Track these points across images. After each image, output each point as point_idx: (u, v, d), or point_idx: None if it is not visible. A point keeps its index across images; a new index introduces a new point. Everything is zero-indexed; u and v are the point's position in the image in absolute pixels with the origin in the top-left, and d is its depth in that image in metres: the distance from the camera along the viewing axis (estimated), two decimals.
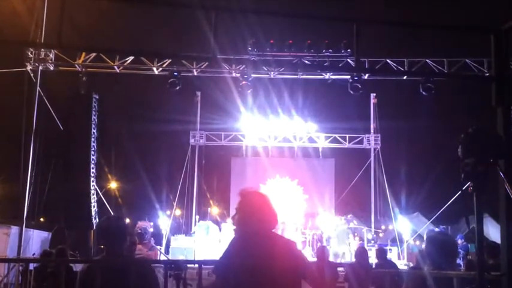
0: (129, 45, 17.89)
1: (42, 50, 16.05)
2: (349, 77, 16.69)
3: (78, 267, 9.14)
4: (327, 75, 17.59)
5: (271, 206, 3.30)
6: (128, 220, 22.73)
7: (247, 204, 3.30)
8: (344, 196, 20.57)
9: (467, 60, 16.60)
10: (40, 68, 16.16)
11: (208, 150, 20.80)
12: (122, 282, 3.79)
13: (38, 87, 15.93)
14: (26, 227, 15.22)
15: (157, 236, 15.78)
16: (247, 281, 3.06)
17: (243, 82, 16.65)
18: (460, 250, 12.50)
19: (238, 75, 16.86)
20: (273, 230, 3.29)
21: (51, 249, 11.20)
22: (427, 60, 16.75)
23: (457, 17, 19.69)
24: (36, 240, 16.76)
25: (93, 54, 16.43)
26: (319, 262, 8.63)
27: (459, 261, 12.05)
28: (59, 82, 17.56)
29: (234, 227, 3.34)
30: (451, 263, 4.30)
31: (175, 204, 19.53)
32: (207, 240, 15.71)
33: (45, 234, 18.08)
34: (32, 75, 16.02)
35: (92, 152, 16.75)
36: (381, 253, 9.41)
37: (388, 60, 16.56)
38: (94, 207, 16.70)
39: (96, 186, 17.01)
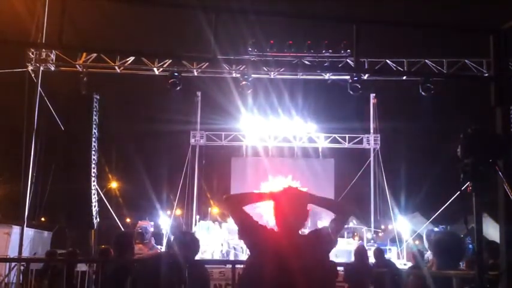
0: (130, 46, 17.88)
1: (43, 50, 16.08)
2: (348, 77, 16.72)
3: (80, 267, 9.20)
4: (327, 76, 17.62)
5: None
6: (128, 219, 22.77)
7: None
8: (344, 196, 20.59)
9: (466, 61, 16.63)
10: (41, 68, 16.17)
11: (208, 150, 20.83)
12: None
13: (39, 88, 15.96)
14: (27, 226, 15.23)
15: (157, 235, 15.82)
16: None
17: (243, 82, 16.69)
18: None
19: (238, 75, 16.90)
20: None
21: (52, 249, 11.24)
22: (427, 61, 16.77)
23: (456, 17, 19.71)
24: (37, 239, 16.80)
25: (94, 55, 16.46)
26: None
27: None
28: (59, 82, 17.59)
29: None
30: (454, 266, 4.31)
31: (175, 204, 19.59)
32: (207, 240, 15.75)
33: (46, 234, 18.13)
34: (33, 75, 16.04)
35: (93, 152, 16.77)
36: (379, 253, 9.44)
37: (387, 61, 16.58)
38: (95, 207, 16.71)
39: (97, 186, 17.02)
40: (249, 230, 3.25)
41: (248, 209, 3.32)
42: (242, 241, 3.34)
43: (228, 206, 3.38)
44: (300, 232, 3.31)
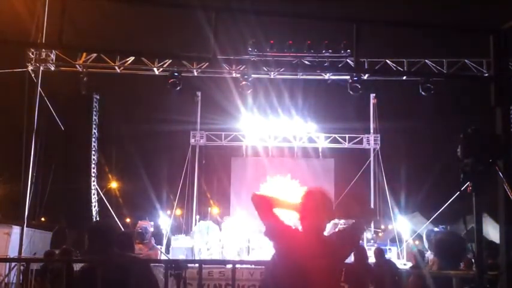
0: (130, 46, 17.90)
1: (43, 50, 16.07)
2: (348, 77, 16.71)
3: (79, 266, 9.19)
4: (327, 76, 17.61)
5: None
6: (128, 219, 22.72)
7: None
8: (344, 196, 20.56)
9: (466, 61, 16.62)
10: (41, 68, 16.15)
11: (208, 150, 20.80)
12: (122, 281, 3.94)
13: (39, 88, 15.95)
14: (27, 226, 15.23)
15: (157, 235, 15.83)
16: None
17: (243, 82, 16.68)
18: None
19: (238, 75, 16.88)
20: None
21: (52, 249, 11.22)
22: (427, 61, 16.76)
23: (456, 17, 19.71)
24: (37, 240, 16.79)
25: (94, 55, 16.44)
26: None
27: None
28: (59, 82, 17.58)
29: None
30: (455, 266, 4.31)
31: (175, 204, 19.56)
32: (207, 240, 15.74)
33: (46, 234, 18.09)
34: (33, 75, 16.03)
35: (93, 152, 16.76)
36: (379, 253, 9.43)
37: (387, 61, 16.57)
38: (95, 207, 16.71)
39: (96, 186, 17.02)
40: (276, 230, 3.36)
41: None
42: (267, 239, 3.42)
43: (257, 206, 3.44)
44: (325, 233, 3.41)
